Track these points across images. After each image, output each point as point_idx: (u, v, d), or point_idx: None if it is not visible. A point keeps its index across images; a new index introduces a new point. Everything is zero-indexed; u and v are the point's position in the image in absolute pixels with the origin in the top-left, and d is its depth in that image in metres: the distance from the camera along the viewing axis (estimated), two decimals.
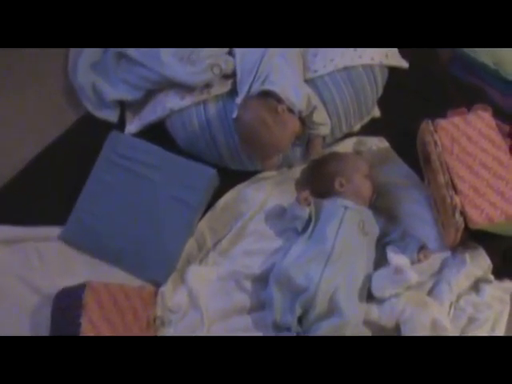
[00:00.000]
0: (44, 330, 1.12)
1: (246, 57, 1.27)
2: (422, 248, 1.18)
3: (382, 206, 1.28)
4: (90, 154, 1.31)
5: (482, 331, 1.12)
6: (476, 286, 1.17)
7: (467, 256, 1.18)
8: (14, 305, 1.17)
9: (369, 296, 1.15)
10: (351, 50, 1.28)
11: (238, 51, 1.29)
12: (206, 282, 1.20)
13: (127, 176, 1.29)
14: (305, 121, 1.22)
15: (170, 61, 1.30)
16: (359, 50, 1.28)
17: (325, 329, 1.08)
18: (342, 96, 1.27)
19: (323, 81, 1.26)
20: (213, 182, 1.29)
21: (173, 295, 1.20)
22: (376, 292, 1.14)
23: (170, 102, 1.31)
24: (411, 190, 1.29)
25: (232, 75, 1.29)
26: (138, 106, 1.38)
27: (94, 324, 1.05)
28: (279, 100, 1.17)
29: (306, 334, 1.10)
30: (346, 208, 1.20)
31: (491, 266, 1.18)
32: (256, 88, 1.19)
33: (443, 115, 1.26)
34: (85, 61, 1.44)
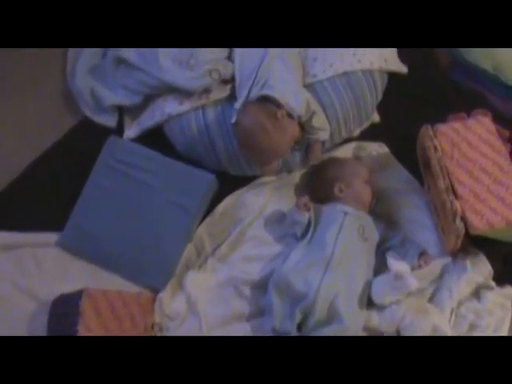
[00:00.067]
0: None
1: (244, 62, 1.27)
2: (423, 254, 1.17)
3: (381, 211, 1.27)
4: (88, 159, 1.31)
5: None
6: (477, 293, 1.16)
7: (468, 262, 1.17)
8: (10, 311, 1.16)
9: (369, 302, 1.14)
10: (350, 54, 1.28)
11: (236, 56, 1.29)
12: (205, 289, 1.19)
13: (125, 181, 1.29)
14: (304, 126, 1.22)
15: (169, 66, 1.30)
16: (358, 54, 1.28)
17: (324, 335, 1.07)
18: (341, 101, 1.26)
19: (322, 86, 1.26)
20: (212, 188, 1.29)
21: (171, 301, 1.19)
22: (376, 298, 1.13)
23: (169, 106, 1.30)
24: (411, 196, 1.28)
25: (231, 80, 1.29)
26: (136, 110, 1.38)
27: (91, 331, 1.05)
28: (278, 105, 1.16)
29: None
30: (345, 213, 1.20)
31: (492, 271, 1.18)
32: (255, 93, 1.19)
33: (443, 120, 1.26)
34: (83, 65, 1.44)
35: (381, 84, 1.32)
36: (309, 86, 1.26)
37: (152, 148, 1.31)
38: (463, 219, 1.12)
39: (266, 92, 1.17)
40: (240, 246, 1.25)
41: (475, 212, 1.12)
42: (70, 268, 1.23)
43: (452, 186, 1.15)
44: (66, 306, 1.07)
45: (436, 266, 1.19)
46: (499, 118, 1.27)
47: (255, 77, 1.21)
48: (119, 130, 1.38)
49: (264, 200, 1.29)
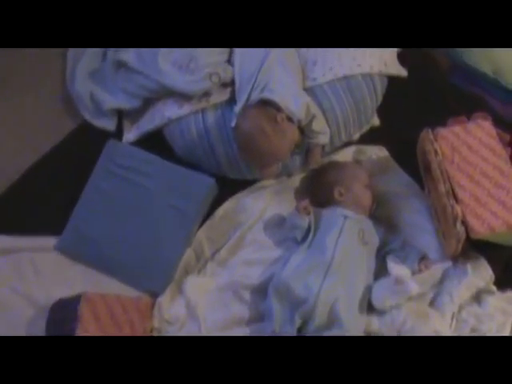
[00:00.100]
0: None
1: (244, 65, 1.26)
2: (423, 258, 1.17)
3: (381, 215, 1.27)
4: (88, 162, 1.31)
5: None
6: (478, 297, 1.16)
7: (469, 266, 1.16)
8: (8, 316, 1.16)
9: (369, 307, 1.14)
10: (350, 58, 1.27)
11: (236, 60, 1.29)
12: (204, 293, 1.19)
13: (125, 185, 1.28)
14: (304, 130, 1.22)
15: (169, 69, 1.30)
16: (358, 58, 1.28)
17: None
18: (341, 105, 1.26)
19: (322, 89, 1.26)
20: (211, 192, 1.28)
21: (170, 306, 1.18)
22: (376, 303, 1.12)
23: (169, 110, 1.30)
24: (411, 200, 1.28)
25: (231, 84, 1.29)
26: (136, 114, 1.38)
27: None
28: (278, 109, 1.16)
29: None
30: (345, 217, 1.19)
31: (493, 276, 1.17)
32: (255, 96, 1.19)
33: (443, 124, 1.25)
34: (83, 69, 1.44)
35: (381, 88, 1.32)
36: (308, 90, 1.26)
37: (151, 152, 1.30)
38: (464, 223, 1.11)
39: (265, 95, 1.17)
40: (240, 250, 1.25)
41: (476, 216, 1.11)
42: (68, 272, 1.22)
43: (452, 190, 1.15)
44: (64, 311, 1.07)
45: (436, 270, 1.19)
46: (499, 122, 1.27)
47: (255, 80, 1.21)
48: (119, 133, 1.38)
49: (264, 204, 1.29)
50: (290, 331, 1.09)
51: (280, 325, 1.10)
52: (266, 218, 1.28)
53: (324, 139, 1.25)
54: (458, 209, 1.12)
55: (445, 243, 1.19)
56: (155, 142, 1.33)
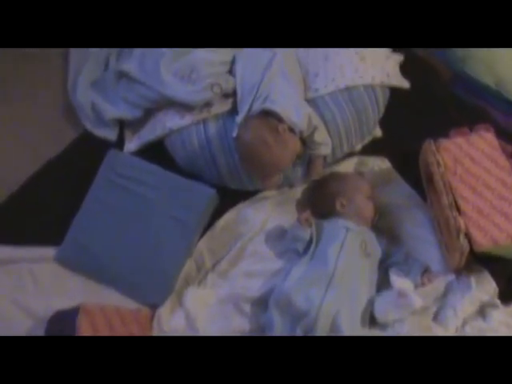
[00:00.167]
0: None
1: (246, 76, 1.27)
2: (426, 271, 1.16)
3: (384, 227, 1.26)
4: (89, 172, 1.30)
5: None
6: (482, 311, 1.14)
7: (472, 280, 1.15)
8: (5, 327, 1.14)
9: (371, 320, 1.12)
10: (352, 69, 1.28)
11: (238, 70, 1.29)
12: (205, 305, 1.18)
13: (125, 195, 1.28)
14: (305, 141, 1.21)
15: (170, 80, 1.30)
16: (360, 69, 1.28)
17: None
18: (343, 116, 1.26)
19: (324, 100, 1.26)
20: (212, 202, 1.28)
21: (170, 318, 1.17)
22: (379, 316, 1.11)
23: (170, 121, 1.30)
24: (414, 211, 1.27)
25: (232, 94, 1.29)
26: (137, 124, 1.38)
27: None
28: (280, 119, 1.16)
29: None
30: (347, 229, 1.18)
31: (497, 290, 1.16)
32: (257, 107, 1.18)
33: (445, 135, 1.25)
34: (84, 79, 1.44)
35: (383, 99, 1.32)
36: (310, 101, 1.26)
37: (152, 162, 1.30)
38: (467, 235, 1.10)
39: (267, 106, 1.17)
40: (240, 262, 1.24)
41: (479, 228, 1.10)
42: (67, 283, 1.21)
43: (455, 202, 1.14)
44: (63, 323, 1.05)
45: (440, 283, 1.17)
46: (502, 133, 1.27)
47: (257, 91, 1.21)
48: (120, 143, 1.37)
49: (265, 215, 1.28)
50: None
51: None
52: (267, 229, 1.27)
53: (326, 150, 1.25)
54: (460, 221, 1.11)
55: (448, 256, 1.18)
56: (156, 152, 1.33)
